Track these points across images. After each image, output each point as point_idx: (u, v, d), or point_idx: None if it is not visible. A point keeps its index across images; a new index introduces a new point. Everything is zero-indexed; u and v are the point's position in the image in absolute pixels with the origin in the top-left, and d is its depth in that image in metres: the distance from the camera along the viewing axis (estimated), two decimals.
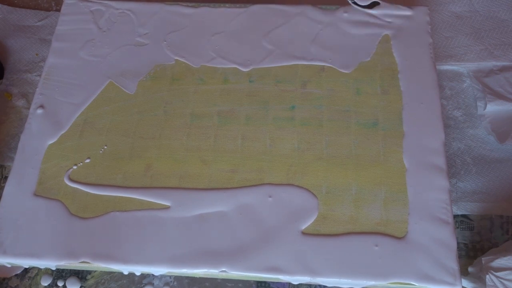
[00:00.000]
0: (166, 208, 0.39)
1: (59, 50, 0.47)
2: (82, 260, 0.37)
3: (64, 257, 0.37)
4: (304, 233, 0.37)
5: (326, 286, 0.38)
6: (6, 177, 0.47)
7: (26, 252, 0.38)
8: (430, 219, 0.37)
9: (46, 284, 0.43)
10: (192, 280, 0.42)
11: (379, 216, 0.38)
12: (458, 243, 0.42)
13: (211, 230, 0.38)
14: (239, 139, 0.42)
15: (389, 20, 0.46)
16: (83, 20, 0.48)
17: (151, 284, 0.42)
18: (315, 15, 0.47)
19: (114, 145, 0.42)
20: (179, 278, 0.42)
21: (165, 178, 0.40)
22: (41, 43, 0.54)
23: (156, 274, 0.38)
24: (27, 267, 0.43)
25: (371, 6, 0.46)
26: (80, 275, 0.43)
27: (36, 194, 0.40)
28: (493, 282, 0.37)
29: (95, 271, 0.43)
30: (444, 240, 0.37)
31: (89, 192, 0.40)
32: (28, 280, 0.43)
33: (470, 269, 0.40)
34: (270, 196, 0.39)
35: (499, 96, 0.47)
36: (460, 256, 0.42)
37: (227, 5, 0.48)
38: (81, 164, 0.41)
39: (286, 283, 0.42)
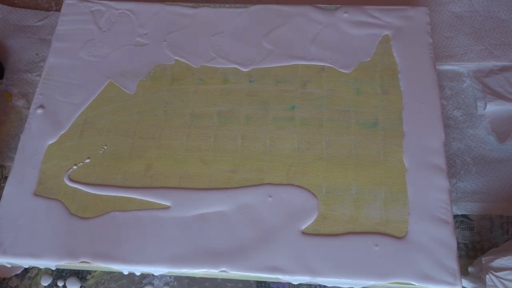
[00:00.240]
0: (166, 208, 0.39)
1: (59, 50, 0.47)
2: (82, 260, 0.37)
3: (64, 257, 0.38)
4: (304, 233, 0.37)
5: (326, 286, 0.38)
6: (6, 177, 0.47)
7: (26, 252, 0.38)
8: (430, 219, 0.37)
9: (46, 284, 0.43)
10: (192, 280, 0.42)
11: (379, 216, 0.38)
12: (458, 243, 0.42)
13: (211, 230, 0.38)
14: (239, 139, 0.42)
15: (389, 20, 0.46)
16: (83, 20, 0.48)
17: (151, 284, 0.42)
18: (315, 15, 0.47)
19: (114, 145, 0.42)
20: (179, 278, 0.42)
21: (165, 178, 0.40)
22: (41, 43, 0.54)
23: (156, 274, 0.38)
24: (27, 267, 0.43)
25: None
26: (80, 275, 0.43)
27: (36, 194, 0.40)
28: (493, 282, 0.37)
29: (95, 271, 0.43)
30: (444, 240, 0.37)
31: (89, 192, 0.40)
32: (28, 280, 0.43)
33: (470, 269, 0.40)
34: (270, 196, 0.39)
35: (499, 96, 0.47)
36: (460, 256, 0.42)
37: (227, 5, 0.48)
38: (81, 164, 0.41)
39: (286, 283, 0.42)
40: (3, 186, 0.45)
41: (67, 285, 0.42)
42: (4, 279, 0.43)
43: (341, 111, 0.42)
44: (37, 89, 0.45)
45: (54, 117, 0.43)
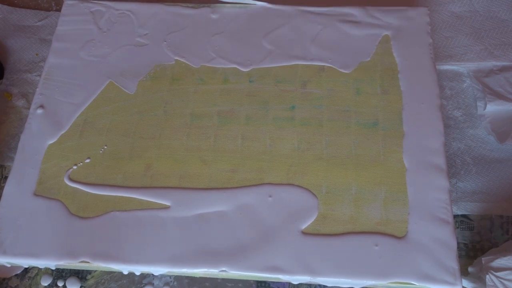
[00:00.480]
0: (166, 208, 0.39)
1: (59, 50, 0.47)
2: (82, 259, 0.37)
3: (64, 256, 0.37)
4: (304, 233, 0.37)
5: (326, 286, 0.38)
6: (6, 177, 0.47)
7: (26, 252, 0.38)
8: (430, 219, 0.37)
9: (46, 284, 0.43)
10: (192, 280, 0.42)
11: (379, 216, 0.38)
12: (458, 243, 0.42)
13: (211, 230, 0.38)
14: (239, 139, 0.42)
15: (389, 20, 0.46)
16: (83, 21, 0.48)
17: (151, 284, 0.42)
18: (314, 15, 0.47)
19: (114, 145, 0.42)
20: (179, 278, 0.42)
21: (165, 178, 0.40)
22: (41, 43, 0.54)
23: (156, 274, 0.38)
24: (27, 267, 0.43)
25: None
26: (80, 275, 0.43)
27: (36, 194, 0.40)
28: (493, 282, 0.37)
29: (95, 271, 0.43)
30: (444, 240, 0.37)
31: (89, 192, 0.40)
32: (28, 280, 0.43)
33: (470, 269, 0.40)
34: (270, 196, 0.39)
35: (499, 96, 0.47)
36: (460, 256, 0.42)
37: (227, 5, 0.48)
38: (81, 164, 0.41)
39: (286, 283, 0.42)
40: (3, 186, 0.45)
41: (67, 285, 0.42)
42: (4, 279, 0.43)
43: (341, 111, 0.42)
44: (37, 89, 0.45)
45: (54, 117, 0.43)
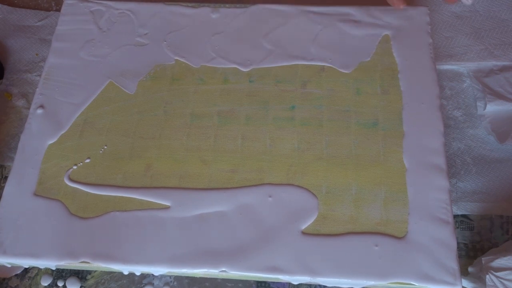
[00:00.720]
0: (166, 208, 0.39)
1: (59, 50, 0.47)
2: (82, 260, 0.37)
3: (64, 257, 0.38)
4: (304, 233, 0.37)
5: (326, 286, 0.38)
6: (6, 177, 0.47)
7: (26, 252, 0.38)
8: (430, 219, 0.37)
9: (46, 284, 0.43)
10: (192, 280, 0.42)
11: (379, 216, 0.38)
12: (458, 243, 0.42)
13: (211, 230, 0.38)
14: (239, 139, 0.42)
15: (389, 20, 0.46)
16: (83, 21, 0.48)
17: (151, 284, 0.42)
18: (314, 15, 0.47)
19: (114, 145, 0.42)
20: (179, 278, 0.42)
21: (165, 178, 0.40)
22: (41, 43, 0.54)
23: (156, 274, 0.38)
24: (27, 267, 0.43)
25: None
26: (80, 275, 0.43)
27: (36, 194, 0.40)
28: (493, 282, 0.37)
29: (95, 271, 0.43)
30: (444, 240, 0.37)
31: (89, 192, 0.40)
32: (28, 280, 0.43)
33: (470, 269, 0.40)
34: (270, 196, 0.39)
35: (499, 96, 0.47)
36: (460, 256, 0.42)
37: (227, 5, 0.48)
38: (81, 164, 0.41)
39: (286, 283, 0.42)
40: (3, 186, 0.45)
41: (67, 285, 0.42)
42: (4, 279, 0.43)
43: (341, 111, 0.42)
44: (37, 89, 0.45)
45: (54, 117, 0.43)
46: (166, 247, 0.37)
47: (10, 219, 0.39)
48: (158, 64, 0.46)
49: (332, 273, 0.36)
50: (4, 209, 0.40)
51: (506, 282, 0.36)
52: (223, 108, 0.43)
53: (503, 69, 0.49)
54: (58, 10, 0.56)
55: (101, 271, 0.43)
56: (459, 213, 0.43)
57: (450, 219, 0.37)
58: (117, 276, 0.43)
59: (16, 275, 0.43)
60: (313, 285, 0.41)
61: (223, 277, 0.38)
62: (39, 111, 0.44)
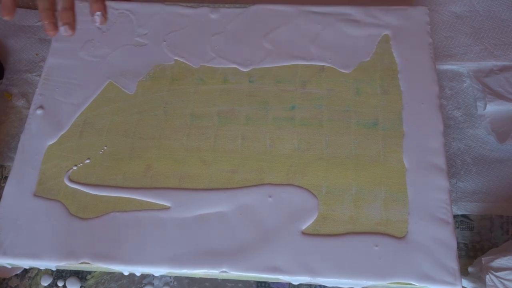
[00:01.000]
0: (166, 208, 0.39)
1: (59, 50, 0.47)
2: (82, 260, 0.37)
3: (64, 257, 0.37)
4: (304, 233, 0.37)
5: (326, 286, 0.38)
6: (6, 177, 0.47)
7: (26, 252, 0.38)
8: (430, 219, 0.37)
9: (46, 284, 0.43)
10: (192, 280, 0.42)
11: (379, 216, 0.38)
12: (458, 243, 0.42)
13: (211, 230, 0.38)
14: (239, 139, 0.42)
15: (388, 20, 0.46)
16: (83, 21, 0.48)
17: (151, 284, 0.42)
18: (314, 15, 0.47)
19: (114, 145, 0.42)
20: (179, 278, 0.42)
21: (165, 179, 0.40)
22: (41, 43, 0.54)
23: (156, 274, 0.38)
24: (27, 267, 0.43)
25: None
26: (80, 275, 0.43)
27: (36, 195, 0.40)
28: (493, 282, 0.37)
29: (95, 271, 0.43)
30: (444, 240, 0.37)
31: (89, 193, 0.40)
32: (28, 280, 0.43)
33: (470, 269, 0.40)
34: (270, 196, 0.39)
35: (499, 96, 0.47)
36: (460, 256, 0.42)
37: (226, 5, 0.48)
38: (81, 164, 0.41)
39: (286, 283, 0.42)
40: (3, 186, 0.45)
41: (67, 285, 0.42)
42: (4, 279, 0.43)
43: (341, 111, 0.42)
44: (37, 89, 0.45)
45: (54, 118, 0.43)
46: (166, 248, 0.37)
47: (10, 219, 0.39)
48: (158, 64, 0.46)
49: (332, 273, 0.36)
50: (4, 209, 0.40)
51: (506, 282, 0.36)
52: (223, 108, 0.43)
53: (503, 69, 0.49)
54: None
55: (101, 271, 0.43)
56: (459, 213, 0.43)
57: (450, 219, 0.37)
58: (117, 276, 0.43)
59: (16, 275, 0.43)
60: (313, 285, 0.41)
61: (223, 277, 0.38)
62: (39, 111, 0.44)
